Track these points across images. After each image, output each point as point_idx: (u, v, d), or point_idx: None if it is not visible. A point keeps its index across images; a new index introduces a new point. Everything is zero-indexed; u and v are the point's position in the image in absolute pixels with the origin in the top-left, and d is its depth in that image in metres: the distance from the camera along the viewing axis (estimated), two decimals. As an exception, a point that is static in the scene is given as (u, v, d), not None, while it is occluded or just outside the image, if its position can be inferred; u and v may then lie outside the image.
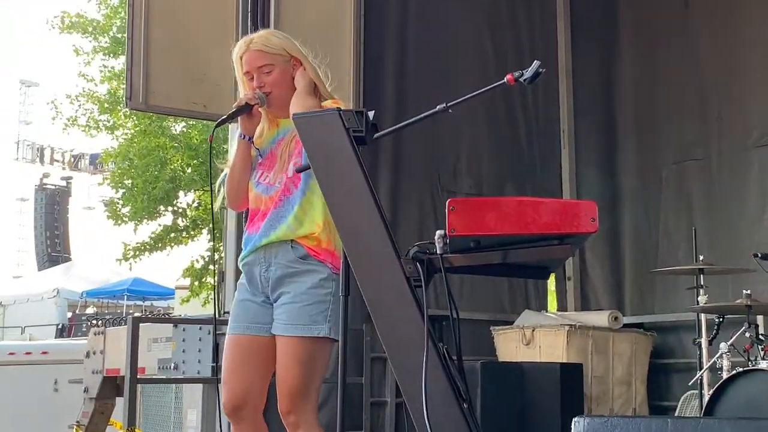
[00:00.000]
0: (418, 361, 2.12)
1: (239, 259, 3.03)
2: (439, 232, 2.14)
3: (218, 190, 3.10)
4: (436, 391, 2.12)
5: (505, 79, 2.30)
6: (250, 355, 2.90)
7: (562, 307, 7.00)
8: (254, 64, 2.98)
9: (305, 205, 2.87)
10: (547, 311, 6.76)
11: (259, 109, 2.99)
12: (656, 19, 6.76)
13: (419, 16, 6.50)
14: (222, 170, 3.11)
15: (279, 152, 2.96)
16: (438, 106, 2.36)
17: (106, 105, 15.52)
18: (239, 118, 2.96)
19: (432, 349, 2.13)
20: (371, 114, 2.30)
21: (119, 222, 14.95)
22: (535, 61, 2.26)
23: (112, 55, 15.72)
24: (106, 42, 15.86)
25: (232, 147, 3.04)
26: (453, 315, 2.22)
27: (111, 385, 5.54)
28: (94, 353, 5.69)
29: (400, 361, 2.21)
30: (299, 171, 2.76)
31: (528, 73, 2.25)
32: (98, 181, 17.12)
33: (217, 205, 3.16)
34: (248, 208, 3.04)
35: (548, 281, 6.84)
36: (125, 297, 19.35)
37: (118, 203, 15.17)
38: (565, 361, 5.63)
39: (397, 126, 2.44)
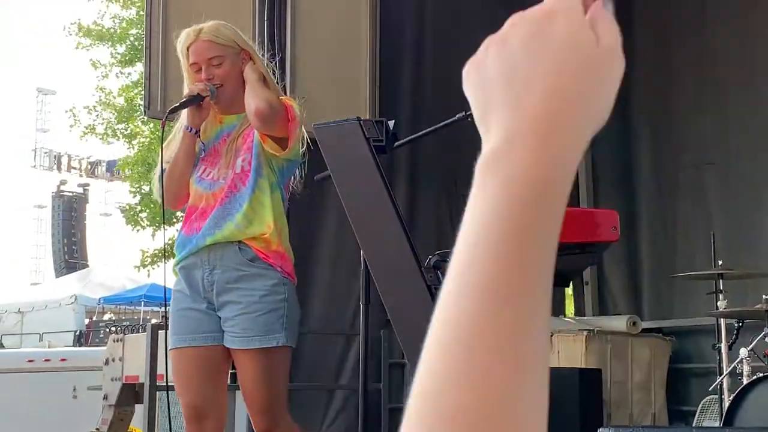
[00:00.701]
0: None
1: (174, 263, 2.84)
2: (460, 241, 2.13)
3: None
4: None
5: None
6: (202, 367, 2.74)
7: (579, 311, 6.98)
8: (204, 55, 2.79)
9: (255, 203, 2.70)
10: (564, 316, 6.75)
11: (210, 103, 2.81)
12: (672, 20, 6.73)
13: (435, 23, 6.51)
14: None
15: (224, 149, 2.80)
16: (457, 115, 2.37)
17: (123, 113, 15.65)
18: (188, 109, 2.79)
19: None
20: (391, 123, 2.30)
21: (137, 227, 15.03)
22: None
23: (129, 64, 15.83)
24: (123, 50, 15.98)
25: (174, 140, 2.88)
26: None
27: (130, 392, 5.57)
28: (113, 360, 5.72)
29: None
30: (319, 180, 2.76)
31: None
32: (115, 187, 17.25)
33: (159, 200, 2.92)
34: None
35: (565, 286, 6.82)
36: (142, 303, 19.42)
37: (135, 208, 15.26)
38: (583, 366, 5.62)
39: (417, 135, 2.45)
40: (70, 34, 16.41)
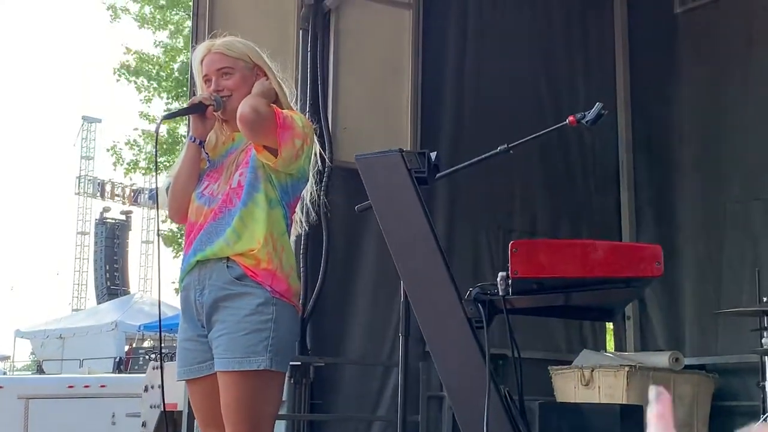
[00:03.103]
0: (479, 402, 2.10)
1: (178, 283, 2.75)
2: (501, 274, 2.12)
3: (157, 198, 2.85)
4: (497, 434, 2.10)
5: (567, 121, 2.30)
6: (205, 399, 2.65)
7: (619, 347, 6.89)
8: (213, 66, 2.73)
9: (245, 217, 2.59)
10: (605, 351, 6.66)
11: (215, 114, 2.72)
12: (718, 52, 6.66)
13: (476, 54, 6.52)
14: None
15: (227, 163, 2.71)
16: (499, 147, 2.37)
17: (164, 146, 15.84)
18: (191, 119, 2.73)
19: (494, 391, 2.11)
20: (433, 155, 2.31)
21: (179, 254, 15.17)
22: (597, 104, 2.26)
23: (174, 97, 16.03)
24: (168, 84, 16.19)
25: (180, 155, 2.81)
26: (515, 356, 2.20)
27: (168, 420, 5.58)
28: (152, 387, 5.74)
29: (461, 402, 2.19)
30: (360, 211, 2.75)
31: (590, 115, 2.26)
32: (157, 215, 17.42)
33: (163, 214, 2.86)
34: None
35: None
36: (181, 331, 19.49)
37: (177, 234, 15.43)
38: (625, 402, 5.54)
39: (459, 167, 2.45)
40: (120, 77, 16.54)
